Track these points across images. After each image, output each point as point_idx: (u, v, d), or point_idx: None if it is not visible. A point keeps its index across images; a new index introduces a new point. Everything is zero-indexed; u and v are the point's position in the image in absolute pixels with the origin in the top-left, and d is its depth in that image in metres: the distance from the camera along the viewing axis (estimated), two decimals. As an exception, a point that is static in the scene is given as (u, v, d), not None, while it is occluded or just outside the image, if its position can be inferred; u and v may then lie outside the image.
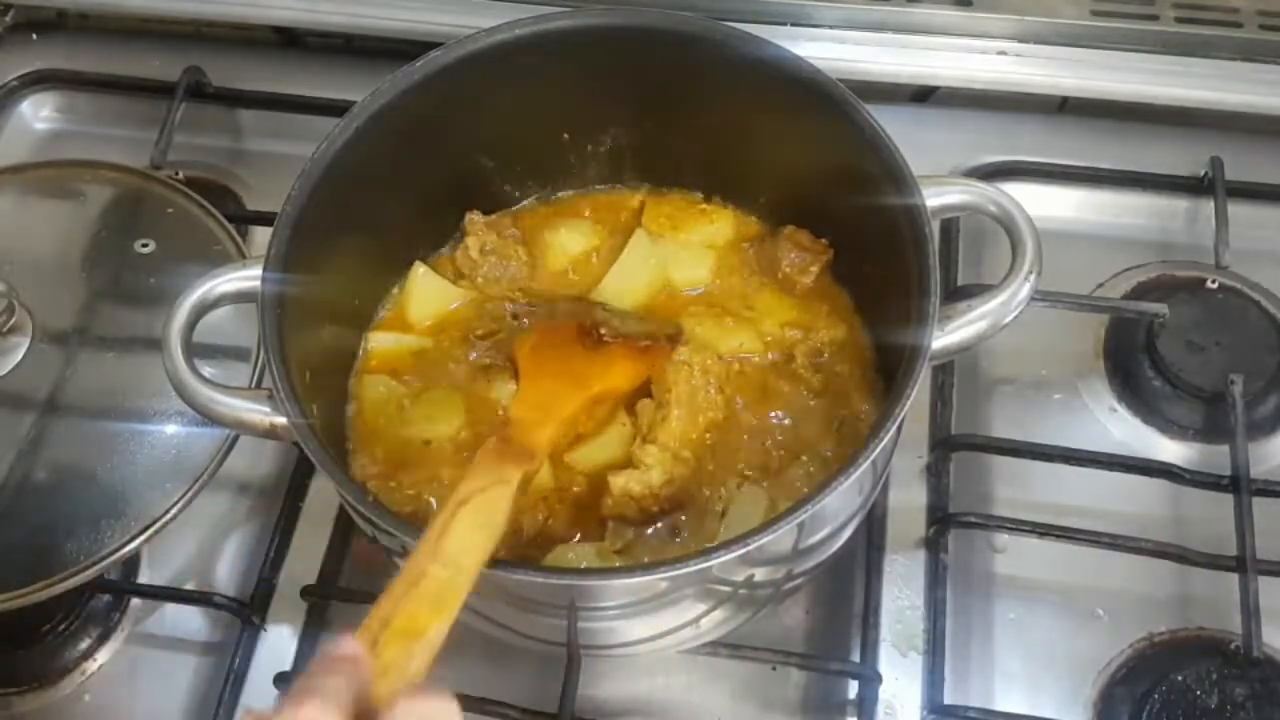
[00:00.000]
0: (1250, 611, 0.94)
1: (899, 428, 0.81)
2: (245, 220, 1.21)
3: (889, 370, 0.97)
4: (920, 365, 0.81)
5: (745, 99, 0.98)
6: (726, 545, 0.75)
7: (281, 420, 0.83)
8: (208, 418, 0.85)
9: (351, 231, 0.96)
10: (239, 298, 0.88)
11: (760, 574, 0.84)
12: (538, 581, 0.78)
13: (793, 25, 1.25)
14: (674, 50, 0.97)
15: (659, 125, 1.05)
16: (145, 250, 1.11)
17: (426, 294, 1.05)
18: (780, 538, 0.76)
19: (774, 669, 0.99)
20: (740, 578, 0.83)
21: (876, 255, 0.92)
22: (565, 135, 1.07)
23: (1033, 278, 0.85)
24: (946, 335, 0.84)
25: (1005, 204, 0.88)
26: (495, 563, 0.74)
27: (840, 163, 0.94)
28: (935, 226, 0.86)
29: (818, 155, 0.97)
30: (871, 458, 0.78)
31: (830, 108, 0.92)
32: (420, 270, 1.05)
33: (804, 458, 0.95)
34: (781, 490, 0.93)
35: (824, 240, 1.04)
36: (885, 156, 0.88)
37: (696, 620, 0.87)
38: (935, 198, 0.87)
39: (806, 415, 0.97)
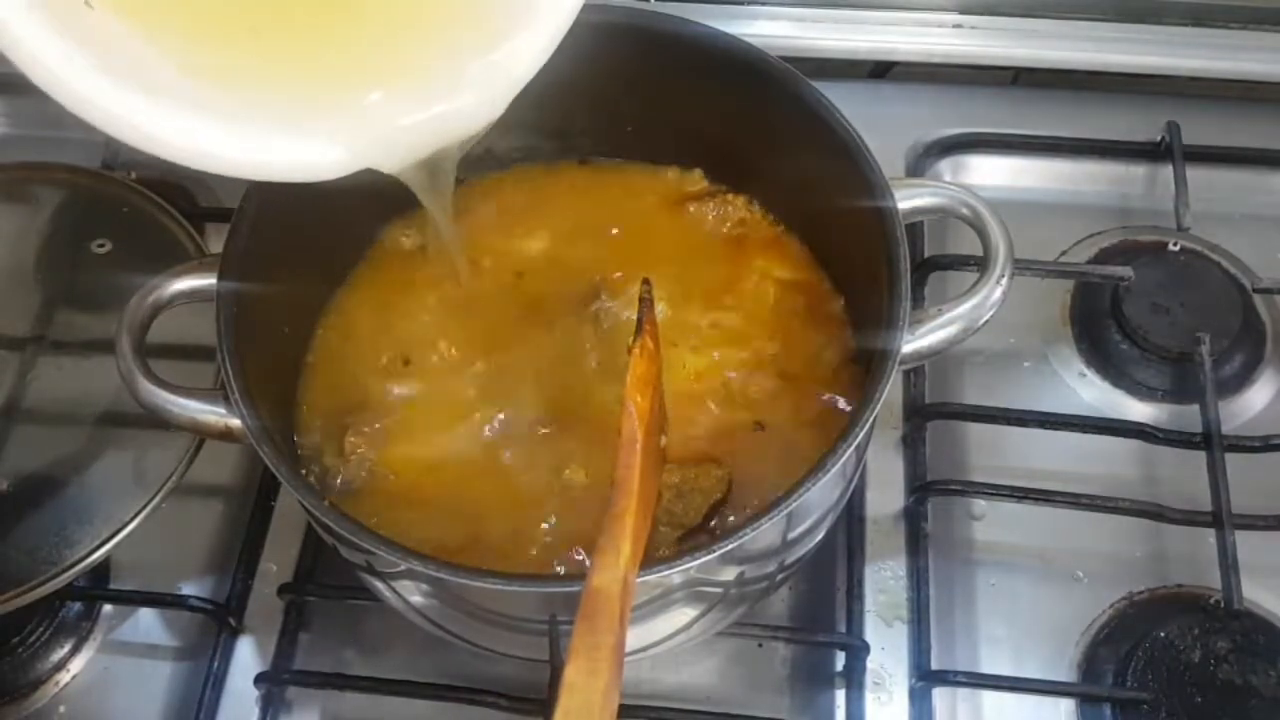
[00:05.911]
0: (1229, 565, 0.95)
1: (870, 425, 0.80)
2: (202, 217, 1.18)
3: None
4: (890, 370, 0.79)
5: (692, 89, 0.96)
6: (709, 547, 0.73)
7: (237, 422, 0.81)
8: (161, 419, 0.83)
9: (313, 227, 0.93)
10: (195, 296, 0.85)
11: (749, 570, 0.84)
12: (515, 591, 0.75)
13: (749, 4, 1.25)
14: (604, 43, 0.92)
15: (605, 121, 1.03)
16: (102, 251, 1.09)
17: None
18: (760, 535, 0.74)
19: (760, 645, 0.99)
20: (729, 577, 0.82)
21: (847, 257, 0.92)
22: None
23: (1005, 281, 0.84)
24: (917, 340, 0.83)
25: (978, 207, 0.87)
26: (469, 571, 0.73)
27: (809, 160, 0.92)
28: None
29: (783, 151, 0.96)
30: (841, 461, 0.77)
31: (782, 91, 0.90)
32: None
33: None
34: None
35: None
36: (856, 157, 0.87)
37: (688, 626, 0.87)
38: (907, 200, 0.86)
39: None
